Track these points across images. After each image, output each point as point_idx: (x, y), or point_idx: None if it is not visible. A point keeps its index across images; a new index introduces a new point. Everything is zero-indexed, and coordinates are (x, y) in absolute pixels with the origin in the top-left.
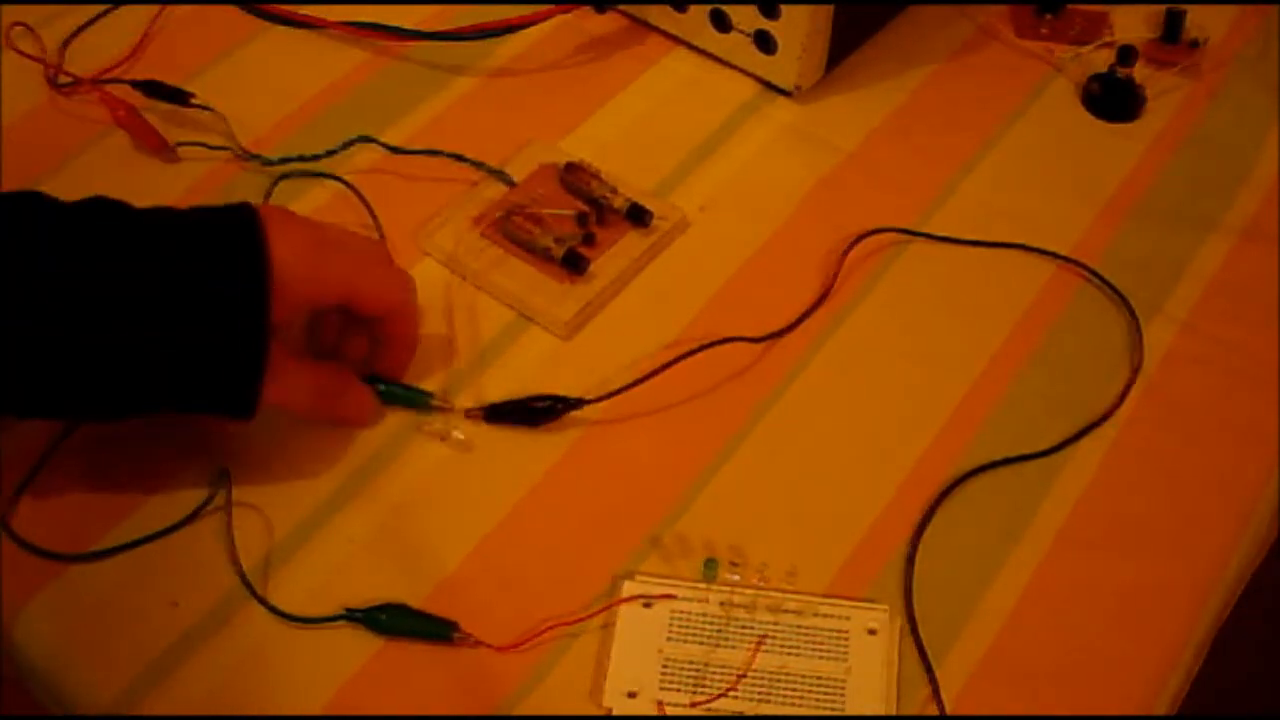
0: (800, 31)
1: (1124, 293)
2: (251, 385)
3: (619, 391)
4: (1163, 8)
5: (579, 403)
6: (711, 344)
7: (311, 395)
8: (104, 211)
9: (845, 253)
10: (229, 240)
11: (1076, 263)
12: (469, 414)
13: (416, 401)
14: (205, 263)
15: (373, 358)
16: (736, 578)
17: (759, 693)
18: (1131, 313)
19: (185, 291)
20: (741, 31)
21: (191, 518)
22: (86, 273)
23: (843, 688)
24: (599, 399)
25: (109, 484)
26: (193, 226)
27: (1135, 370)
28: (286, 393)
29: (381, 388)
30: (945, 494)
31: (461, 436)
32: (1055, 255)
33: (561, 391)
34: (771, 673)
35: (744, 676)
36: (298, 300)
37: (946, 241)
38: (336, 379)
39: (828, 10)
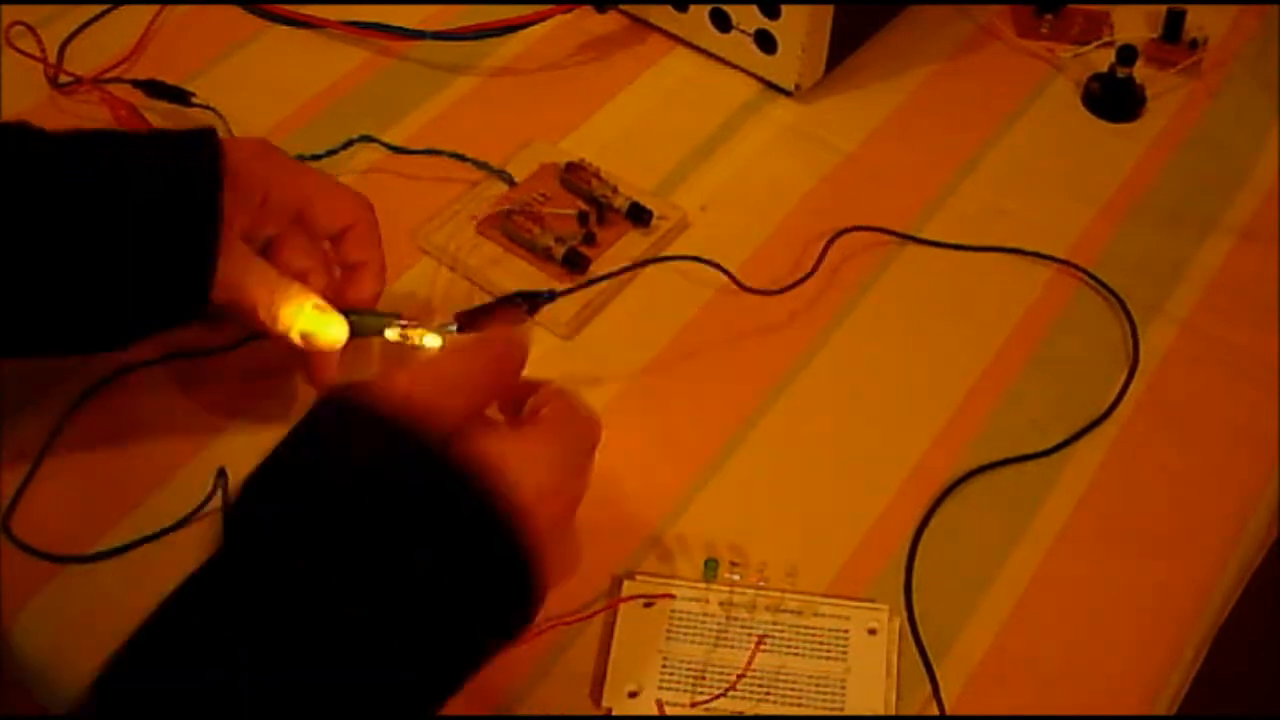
0: (801, 31)
1: (1120, 292)
2: (205, 255)
3: (587, 284)
4: (1163, 7)
5: (550, 295)
6: (688, 257)
7: (267, 290)
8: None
9: (827, 245)
10: (186, 137)
11: (1069, 264)
12: (441, 327)
13: (386, 323)
14: (164, 149)
15: (343, 293)
16: (736, 577)
17: (759, 692)
18: (1126, 312)
19: (143, 170)
20: (742, 31)
21: (190, 518)
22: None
23: (842, 687)
24: (567, 291)
25: (107, 485)
26: (156, 134)
27: (1131, 370)
28: (245, 279)
29: (351, 317)
30: (945, 495)
31: (436, 343)
32: (1045, 257)
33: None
34: (771, 672)
35: (744, 676)
36: (252, 190)
37: (929, 245)
38: (302, 289)
39: (828, 10)
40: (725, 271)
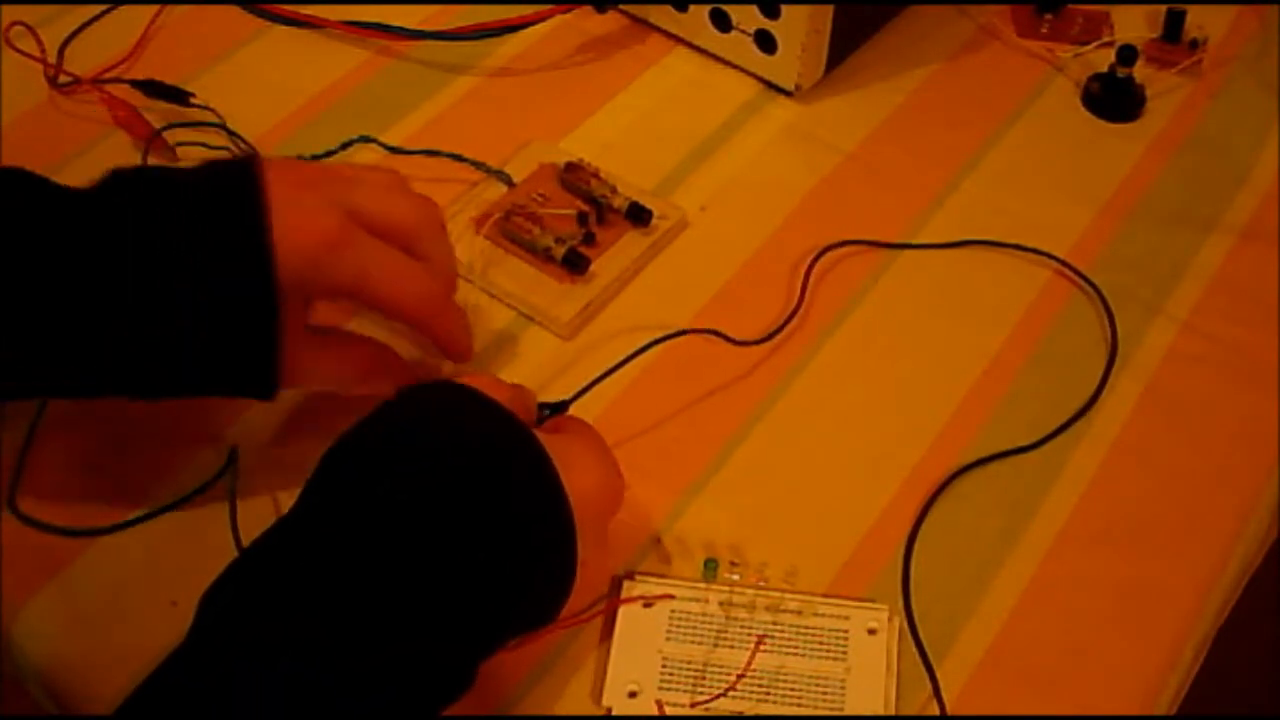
0: (801, 31)
1: (1114, 289)
2: (267, 356)
3: (591, 385)
4: (1163, 7)
5: (563, 405)
6: (684, 332)
7: (344, 370)
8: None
9: (810, 265)
10: (226, 195)
11: (1054, 258)
12: None
13: None
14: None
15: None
16: (736, 578)
17: (759, 693)
18: (1104, 302)
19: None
20: (742, 31)
21: (199, 492)
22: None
23: (842, 687)
24: (574, 397)
25: (115, 470)
26: (192, 188)
27: (1110, 359)
28: (316, 368)
29: None
30: (938, 492)
31: None
32: (1029, 250)
33: (563, 391)
34: (771, 672)
35: (743, 676)
36: (303, 256)
37: (905, 248)
38: (370, 355)
39: (828, 10)
40: (723, 336)
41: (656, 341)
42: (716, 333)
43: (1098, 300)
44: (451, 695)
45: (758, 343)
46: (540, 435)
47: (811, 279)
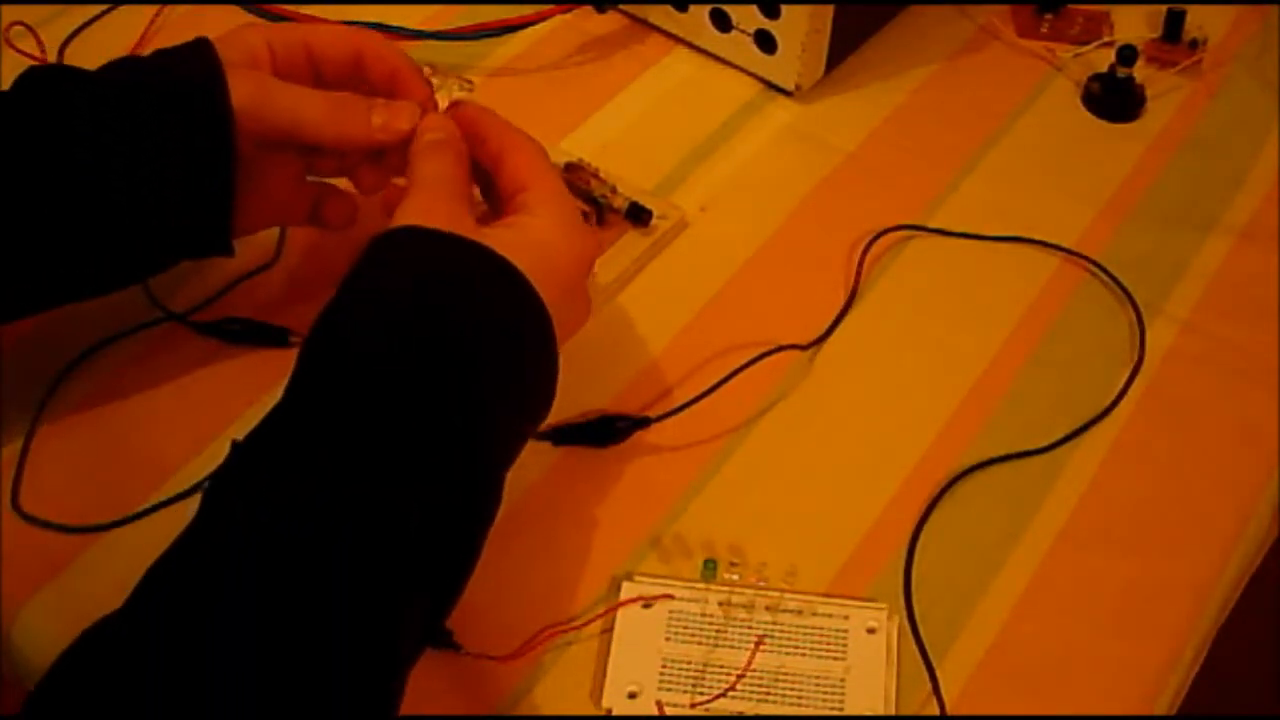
0: (801, 31)
1: (1111, 290)
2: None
3: (683, 408)
4: (1163, 7)
5: (645, 421)
6: (763, 355)
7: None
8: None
9: (865, 250)
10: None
11: (1083, 256)
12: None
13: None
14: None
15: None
16: (736, 577)
17: (758, 692)
18: (1135, 306)
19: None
20: (742, 31)
21: (201, 486)
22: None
23: (842, 687)
24: (662, 417)
25: (116, 466)
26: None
27: (1136, 368)
28: (291, 105)
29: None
30: (943, 492)
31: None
32: (1061, 249)
33: (560, 393)
34: (771, 672)
35: (743, 676)
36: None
37: (959, 237)
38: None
39: (828, 10)
40: (794, 347)
41: (747, 365)
42: (789, 347)
43: (1107, 296)
44: (488, 503)
45: (824, 338)
46: (492, 232)
47: (860, 265)
